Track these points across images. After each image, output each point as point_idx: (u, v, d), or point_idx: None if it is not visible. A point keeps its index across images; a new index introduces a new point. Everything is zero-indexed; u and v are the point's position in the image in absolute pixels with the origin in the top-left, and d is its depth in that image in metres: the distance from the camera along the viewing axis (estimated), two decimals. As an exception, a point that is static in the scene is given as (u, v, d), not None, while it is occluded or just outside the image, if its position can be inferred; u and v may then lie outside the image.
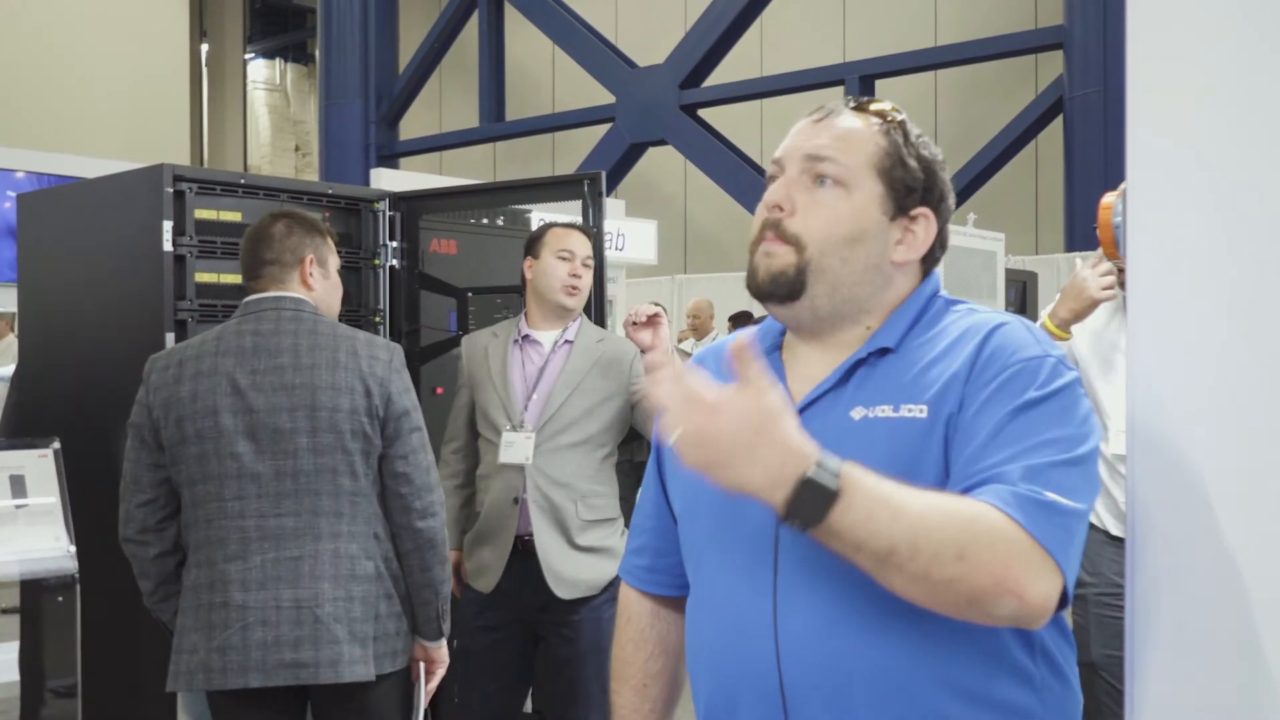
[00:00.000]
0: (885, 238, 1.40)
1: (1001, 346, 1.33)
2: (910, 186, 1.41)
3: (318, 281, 2.62)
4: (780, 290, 1.39)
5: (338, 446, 2.47)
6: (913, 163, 1.41)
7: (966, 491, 1.25)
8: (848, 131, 1.41)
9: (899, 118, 1.44)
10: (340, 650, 2.44)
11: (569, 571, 3.12)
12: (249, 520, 2.48)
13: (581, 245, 3.25)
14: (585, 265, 3.25)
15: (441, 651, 2.64)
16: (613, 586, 3.20)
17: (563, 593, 3.11)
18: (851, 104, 1.46)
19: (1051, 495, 1.21)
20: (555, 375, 3.19)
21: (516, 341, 3.26)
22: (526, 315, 3.29)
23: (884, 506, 1.16)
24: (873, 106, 1.45)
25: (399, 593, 2.56)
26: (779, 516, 1.15)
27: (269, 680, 2.45)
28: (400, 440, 2.51)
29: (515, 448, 3.12)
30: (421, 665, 2.65)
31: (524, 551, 3.12)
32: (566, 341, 3.25)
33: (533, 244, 3.28)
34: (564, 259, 3.22)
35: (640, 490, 1.65)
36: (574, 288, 3.22)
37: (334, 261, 2.69)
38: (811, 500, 1.14)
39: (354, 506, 2.50)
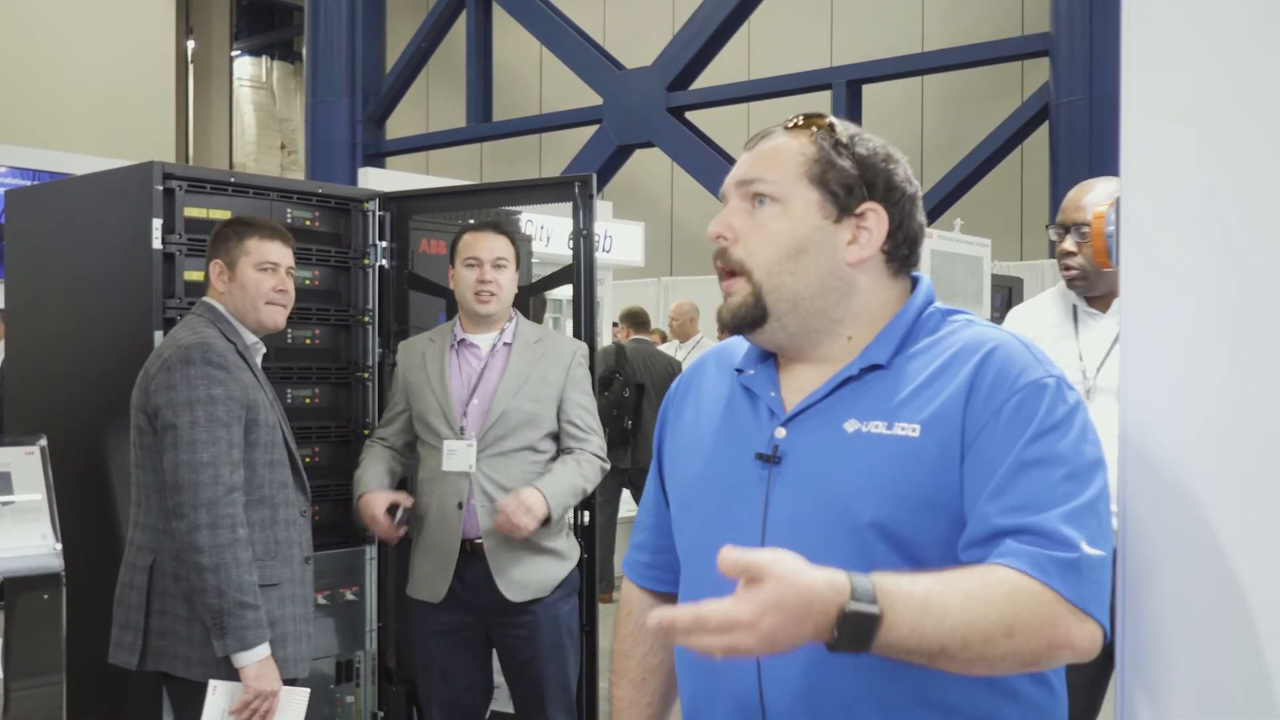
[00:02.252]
0: (833, 241, 1.42)
1: (1004, 370, 1.33)
2: (847, 185, 1.42)
3: (224, 285, 2.80)
4: (745, 322, 1.44)
5: (132, 441, 2.69)
6: (844, 162, 1.43)
7: (993, 539, 1.26)
8: (773, 149, 1.45)
9: (827, 123, 1.46)
10: (113, 631, 2.68)
11: (519, 574, 3.11)
12: None
13: (488, 248, 3.16)
14: (497, 266, 3.16)
15: (248, 671, 2.53)
16: (565, 585, 3.19)
17: (513, 595, 3.10)
18: (786, 125, 1.48)
19: (1082, 549, 1.23)
20: (495, 380, 3.15)
21: (453, 346, 3.22)
22: (461, 320, 3.26)
23: (925, 613, 1.17)
24: (802, 122, 1.47)
25: None
26: (828, 647, 1.16)
27: None
28: (157, 436, 2.62)
29: (458, 455, 3.10)
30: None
31: (473, 554, 3.11)
32: (505, 344, 3.21)
33: (450, 252, 3.25)
34: (470, 266, 3.15)
35: (645, 485, 1.68)
36: (484, 294, 3.14)
37: (249, 261, 2.78)
38: (857, 628, 1.15)
39: (148, 498, 2.68)
